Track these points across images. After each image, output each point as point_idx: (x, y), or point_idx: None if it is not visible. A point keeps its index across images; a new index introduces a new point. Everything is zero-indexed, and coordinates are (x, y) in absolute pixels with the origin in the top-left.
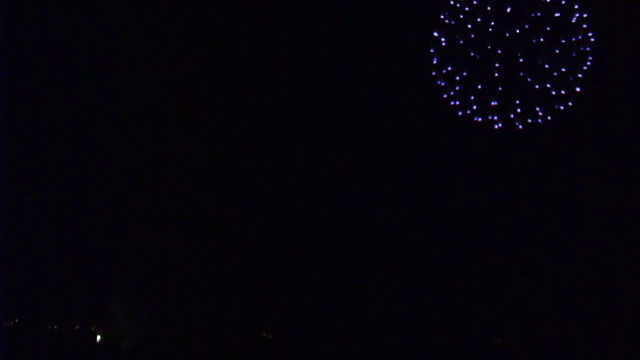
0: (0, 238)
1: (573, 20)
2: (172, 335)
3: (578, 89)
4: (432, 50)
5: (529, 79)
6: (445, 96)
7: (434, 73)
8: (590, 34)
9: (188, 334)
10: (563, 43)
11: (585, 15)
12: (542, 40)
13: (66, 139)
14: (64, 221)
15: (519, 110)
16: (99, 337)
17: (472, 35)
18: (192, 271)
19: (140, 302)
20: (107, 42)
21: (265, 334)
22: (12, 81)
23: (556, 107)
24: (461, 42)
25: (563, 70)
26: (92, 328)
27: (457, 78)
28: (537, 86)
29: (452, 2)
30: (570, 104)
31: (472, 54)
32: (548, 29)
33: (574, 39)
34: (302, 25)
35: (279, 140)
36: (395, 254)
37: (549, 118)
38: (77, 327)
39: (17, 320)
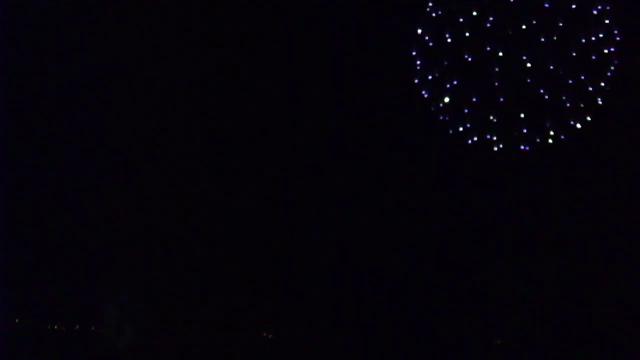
0: (0, 238)
1: (594, 13)
2: (169, 334)
3: (599, 101)
4: (414, 52)
5: (538, 89)
6: (432, 109)
7: (417, 80)
8: (615, 32)
9: (186, 333)
10: (581, 43)
11: (609, 8)
12: (554, 38)
13: (65, 140)
14: (64, 221)
15: (524, 130)
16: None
17: (466, 33)
18: (192, 270)
19: (138, 300)
20: (107, 41)
21: (265, 334)
22: (11, 81)
23: (571, 123)
24: (451, 40)
25: (581, 77)
26: (92, 328)
27: (447, 86)
28: (547, 97)
29: None
30: (588, 119)
31: (465, 56)
32: (561, 24)
33: (594, 38)
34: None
35: (270, 142)
36: (395, 254)
37: (562, 137)
38: (77, 327)
39: (17, 320)
